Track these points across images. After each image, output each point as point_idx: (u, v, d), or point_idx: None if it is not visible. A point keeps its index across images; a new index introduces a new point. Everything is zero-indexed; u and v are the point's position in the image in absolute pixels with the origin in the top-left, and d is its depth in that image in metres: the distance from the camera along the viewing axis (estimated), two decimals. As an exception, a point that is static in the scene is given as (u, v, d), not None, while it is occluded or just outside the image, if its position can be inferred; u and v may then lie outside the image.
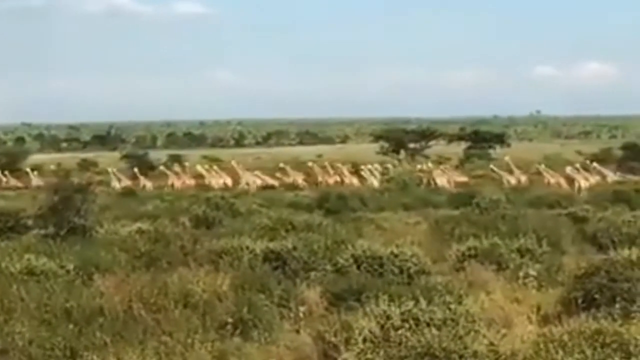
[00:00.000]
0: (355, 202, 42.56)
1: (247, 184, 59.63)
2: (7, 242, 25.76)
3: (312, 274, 20.78)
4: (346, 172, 61.98)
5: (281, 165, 63.73)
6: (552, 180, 56.05)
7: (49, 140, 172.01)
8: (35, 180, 63.53)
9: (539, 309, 17.51)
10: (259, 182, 59.91)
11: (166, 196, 50.41)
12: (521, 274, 20.02)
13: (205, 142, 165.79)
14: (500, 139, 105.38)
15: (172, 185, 59.93)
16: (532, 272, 20.02)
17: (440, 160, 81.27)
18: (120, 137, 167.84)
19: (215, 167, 63.81)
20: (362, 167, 63.21)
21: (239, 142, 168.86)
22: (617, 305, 16.45)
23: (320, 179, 61.08)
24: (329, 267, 21.18)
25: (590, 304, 16.84)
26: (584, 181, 54.68)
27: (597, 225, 28.51)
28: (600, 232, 26.78)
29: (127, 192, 55.60)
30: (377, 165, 64.04)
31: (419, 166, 66.15)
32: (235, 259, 21.54)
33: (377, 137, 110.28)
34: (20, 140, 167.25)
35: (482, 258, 22.12)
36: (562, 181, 55.70)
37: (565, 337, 13.51)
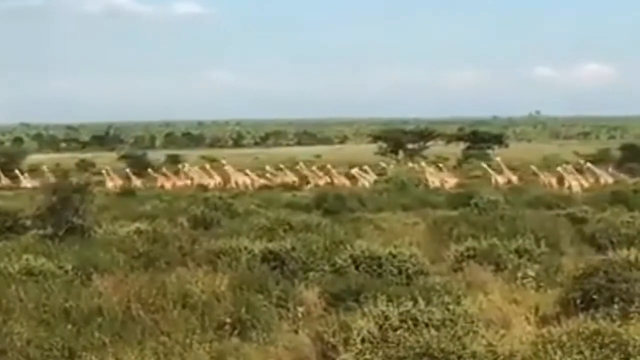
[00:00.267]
0: (354, 203, 42.55)
1: (236, 183, 59.81)
2: (5, 242, 25.73)
3: (311, 274, 20.76)
4: (336, 173, 62.05)
5: (267, 167, 64.05)
6: (546, 181, 56.11)
7: (47, 140, 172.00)
8: (25, 181, 63.83)
9: (537, 309, 17.50)
10: (248, 181, 60.04)
11: (164, 196, 50.40)
12: (519, 274, 20.01)
13: (203, 142, 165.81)
14: (498, 140, 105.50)
15: (162, 186, 60.20)
16: (531, 273, 20.01)
17: (436, 161, 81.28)
18: (118, 137, 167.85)
19: (201, 168, 64.02)
20: (354, 169, 63.39)
21: (237, 143, 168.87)
22: (616, 306, 16.44)
23: (310, 180, 61.16)
24: (327, 267, 21.16)
25: (589, 305, 16.83)
26: (575, 182, 54.76)
27: (596, 226, 28.49)
28: (599, 232, 26.77)
29: (126, 192, 55.60)
30: (366, 167, 64.12)
31: (410, 164, 66.18)
32: (233, 259, 21.52)
33: (376, 138, 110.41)
34: (18, 140, 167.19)
35: (480, 258, 22.10)
36: (554, 181, 55.79)
37: (564, 338, 13.50)
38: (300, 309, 17.37)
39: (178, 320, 16.04)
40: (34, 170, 69.49)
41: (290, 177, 61.71)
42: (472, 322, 14.81)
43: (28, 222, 29.42)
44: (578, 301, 17.06)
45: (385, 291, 16.78)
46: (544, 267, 21.19)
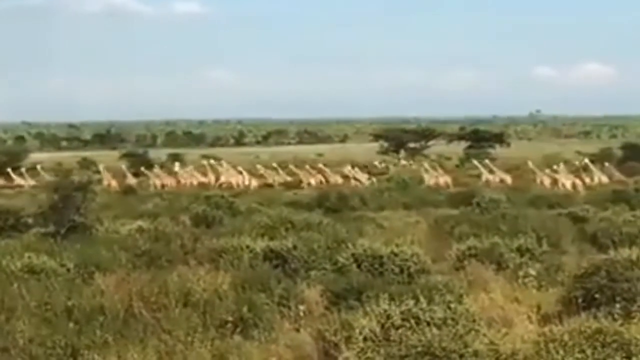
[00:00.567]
0: (355, 201, 42.57)
1: (227, 182, 60.01)
2: (7, 241, 25.78)
3: (313, 273, 20.77)
4: (330, 172, 62.12)
5: (258, 166, 64.23)
6: (539, 179, 56.17)
7: (49, 139, 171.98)
8: (20, 180, 64.22)
9: (539, 308, 17.50)
10: (240, 180, 60.16)
11: (166, 195, 50.41)
12: (521, 273, 20.00)
13: (205, 141, 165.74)
14: (499, 139, 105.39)
15: (154, 185, 60.49)
16: (532, 272, 20.00)
17: (438, 160, 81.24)
18: (120, 136, 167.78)
19: (196, 167, 64.22)
20: (346, 168, 63.50)
21: (238, 141, 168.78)
22: (618, 305, 16.45)
23: (303, 179, 61.23)
24: (329, 266, 21.17)
25: (591, 304, 16.83)
26: (567, 181, 54.86)
27: (597, 225, 28.52)
28: (601, 231, 26.77)
29: (127, 191, 55.61)
30: (356, 168, 64.26)
31: (402, 162, 66.20)
32: (235, 257, 21.53)
33: (377, 137, 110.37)
34: (20, 139, 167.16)
35: (482, 257, 22.10)
36: (546, 180, 55.87)
37: (566, 337, 13.50)
38: (302, 308, 17.38)
39: (180, 318, 16.05)
40: (33, 169, 69.45)
41: (283, 176, 61.75)
42: (474, 320, 14.82)
43: (30, 221, 29.48)
44: (580, 300, 17.07)
45: (387, 290, 16.78)
46: (545, 266, 21.19)
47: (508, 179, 57.94)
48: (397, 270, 20.82)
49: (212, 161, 65.67)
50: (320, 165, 64.26)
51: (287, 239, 22.64)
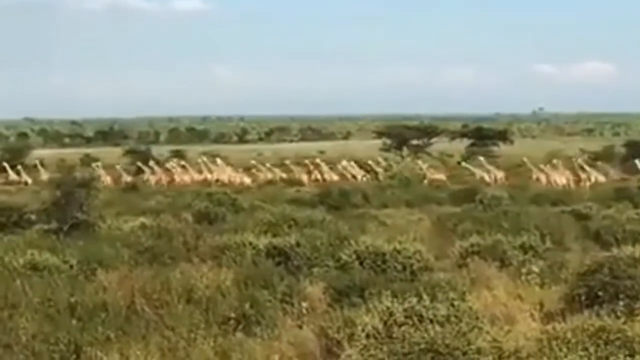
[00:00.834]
0: (358, 199, 42.58)
1: (217, 179, 60.24)
2: (10, 237, 25.78)
3: (315, 270, 20.76)
4: (326, 169, 62.15)
5: (253, 162, 64.40)
6: (541, 177, 56.22)
7: (52, 135, 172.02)
8: (13, 175, 64.49)
9: (542, 305, 17.48)
10: (231, 178, 60.34)
11: (168, 192, 50.44)
12: (524, 270, 19.97)
13: (207, 137, 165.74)
14: (503, 136, 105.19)
15: (148, 181, 60.76)
16: (535, 269, 19.97)
17: (440, 157, 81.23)
18: (123, 132, 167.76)
19: (183, 163, 64.45)
20: (340, 165, 63.51)
21: (241, 138, 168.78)
22: (621, 303, 16.43)
23: (297, 175, 61.32)
24: (331, 263, 21.14)
25: (594, 301, 16.81)
26: (562, 179, 54.93)
27: (601, 222, 28.52)
28: (604, 229, 26.77)
29: (130, 188, 55.65)
30: (352, 163, 64.28)
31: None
32: (238, 254, 21.53)
33: (380, 134, 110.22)
34: (23, 135, 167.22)
35: (485, 255, 22.07)
36: (543, 177, 55.91)
37: (569, 334, 13.48)
38: (305, 305, 17.36)
39: (182, 315, 16.04)
40: (33, 166, 69.56)
41: (278, 174, 61.81)
42: (477, 318, 14.81)
43: (33, 217, 29.49)
44: (583, 297, 17.05)
45: (390, 287, 16.78)
46: (548, 264, 21.17)
47: (502, 177, 57.96)
48: (399, 267, 20.79)
49: (204, 158, 65.99)
50: (317, 161, 64.29)
51: (290, 236, 22.63)
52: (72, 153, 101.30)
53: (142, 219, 28.75)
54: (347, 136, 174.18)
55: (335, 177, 60.41)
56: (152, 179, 61.32)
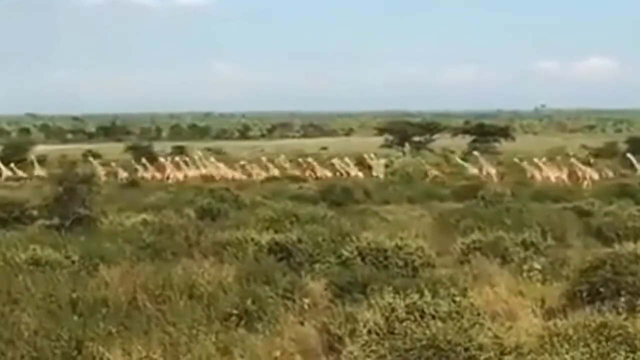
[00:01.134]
0: (360, 195, 42.59)
1: (209, 176, 60.62)
2: (12, 233, 25.81)
3: (317, 266, 20.77)
4: (318, 166, 62.24)
5: (242, 162, 64.68)
6: (535, 173, 56.29)
7: (54, 131, 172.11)
8: (6, 171, 64.86)
9: (543, 302, 17.48)
10: (222, 174, 60.57)
11: (170, 188, 50.49)
12: (526, 267, 19.96)
13: (209, 134, 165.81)
14: (504, 133, 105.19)
15: (143, 178, 61.11)
16: (537, 266, 19.96)
17: (443, 154, 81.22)
18: (125, 128, 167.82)
19: (177, 159, 64.71)
20: (334, 160, 63.65)
21: (243, 134, 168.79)
22: (622, 299, 16.42)
23: (289, 172, 61.45)
24: (333, 259, 21.16)
25: (595, 298, 16.80)
26: (553, 176, 55.05)
27: (602, 219, 28.51)
28: (605, 225, 26.78)
29: (131, 184, 55.69)
30: (347, 160, 64.40)
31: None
32: (239, 250, 21.54)
33: (382, 130, 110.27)
34: (24, 131, 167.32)
35: (486, 251, 22.07)
36: (537, 173, 56.01)
37: (570, 331, 13.48)
38: (307, 301, 17.36)
39: (184, 311, 16.06)
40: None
41: (264, 171, 61.92)
42: (479, 314, 14.81)
43: (35, 213, 29.51)
44: (584, 294, 17.03)
45: (392, 283, 16.78)
46: (550, 260, 21.17)
47: (494, 173, 57.98)
48: (401, 263, 20.80)
49: (200, 153, 66.52)
50: (310, 160, 64.43)
51: (292, 232, 22.64)
52: (74, 149, 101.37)
53: (144, 215, 28.78)
54: (349, 133, 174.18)
55: (329, 175, 60.44)
56: (147, 175, 61.55)
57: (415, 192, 45.78)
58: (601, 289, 16.91)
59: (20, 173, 65.04)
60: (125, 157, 76.74)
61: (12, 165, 66.61)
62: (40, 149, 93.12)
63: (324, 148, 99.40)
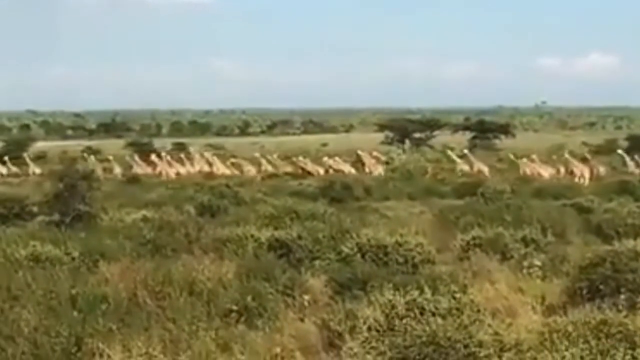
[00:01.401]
0: (360, 191, 42.59)
1: (200, 172, 60.78)
2: (12, 229, 25.81)
3: (317, 262, 20.77)
4: (309, 162, 62.29)
5: (233, 160, 64.84)
6: (527, 170, 56.37)
7: (54, 127, 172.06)
8: (1, 168, 65.09)
9: (543, 299, 17.48)
10: (214, 171, 60.70)
11: (170, 184, 50.50)
12: (526, 264, 19.96)
13: (210, 130, 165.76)
14: (505, 130, 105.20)
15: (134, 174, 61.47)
16: (537, 262, 19.96)
17: (443, 150, 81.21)
18: (125, 125, 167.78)
19: (167, 157, 64.91)
20: (325, 159, 63.73)
21: (243, 131, 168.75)
22: (622, 296, 16.45)
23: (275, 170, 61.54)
24: (333, 256, 21.15)
25: (595, 295, 16.82)
26: (546, 173, 55.17)
27: (602, 216, 28.50)
28: (605, 222, 26.76)
29: (132, 180, 55.70)
30: (337, 158, 64.53)
31: (374, 153, 66.05)
32: (239, 247, 21.55)
33: (382, 127, 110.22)
34: (25, 127, 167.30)
35: (486, 248, 22.06)
36: (529, 170, 56.08)
37: (570, 328, 13.49)
38: (307, 297, 17.37)
39: (184, 307, 16.06)
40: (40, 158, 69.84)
41: (253, 168, 61.96)
42: (478, 311, 14.82)
43: (35, 209, 29.53)
44: (584, 291, 17.05)
45: (392, 280, 16.79)
46: (550, 257, 21.17)
47: (486, 170, 57.98)
48: (401, 260, 20.80)
49: (191, 149, 66.81)
50: (301, 158, 64.55)
51: (292, 229, 22.63)
52: (74, 145, 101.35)
53: (144, 212, 28.77)
54: (349, 129, 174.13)
55: (322, 172, 60.44)
56: (140, 171, 61.70)
57: (415, 188, 45.77)
58: (601, 286, 16.93)
59: (14, 169, 65.07)
60: (124, 153, 76.71)
61: (5, 160, 66.64)
62: (41, 145, 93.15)
63: (325, 144, 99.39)
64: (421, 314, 14.31)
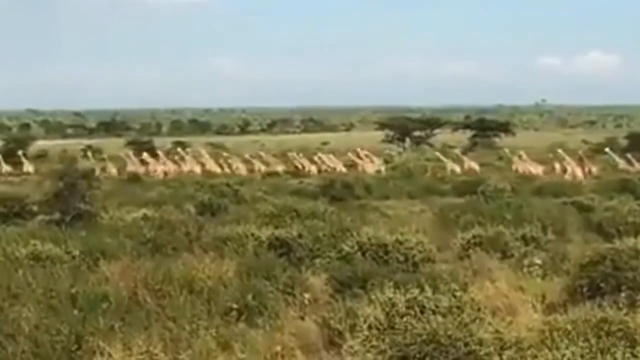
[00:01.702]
0: (360, 190, 42.60)
1: (192, 171, 60.93)
2: (13, 228, 25.81)
3: (317, 261, 20.76)
4: (305, 161, 62.31)
5: (225, 154, 64.97)
6: (520, 168, 56.46)
7: (54, 126, 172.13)
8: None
9: (543, 297, 17.48)
10: (207, 169, 60.79)
11: (171, 183, 50.53)
12: (526, 262, 19.94)
13: (210, 129, 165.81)
14: (505, 128, 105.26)
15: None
16: (537, 261, 19.95)
17: (443, 149, 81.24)
18: (125, 124, 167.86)
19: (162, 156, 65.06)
20: (317, 156, 63.77)
21: (243, 130, 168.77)
22: (623, 294, 16.44)
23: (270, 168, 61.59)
24: (333, 254, 21.14)
25: (596, 293, 16.82)
26: (539, 170, 55.32)
27: (603, 214, 28.50)
28: (606, 221, 26.77)
29: (132, 179, 55.74)
30: (331, 155, 64.54)
31: (365, 152, 66.10)
32: (240, 245, 21.55)
33: (382, 125, 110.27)
34: (25, 126, 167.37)
35: (487, 246, 22.06)
36: (521, 168, 56.20)
37: (570, 326, 13.48)
38: (307, 296, 17.36)
39: (184, 306, 16.05)
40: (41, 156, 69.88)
41: (243, 166, 61.96)
42: (479, 309, 14.80)
43: (35, 208, 29.53)
44: (585, 289, 17.05)
45: (392, 278, 16.77)
46: (550, 255, 21.16)
47: (477, 168, 58.00)
48: (401, 258, 20.79)
49: (179, 149, 67.06)
50: (294, 154, 64.55)
51: (292, 228, 22.63)
52: (74, 144, 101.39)
53: (144, 210, 28.78)
54: (349, 128, 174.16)
55: (315, 171, 60.47)
56: (133, 169, 61.85)
57: (416, 187, 45.80)
58: (601, 284, 16.92)
59: (8, 168, 65.06)
60: (122, 152, 76.79)
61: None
62: (41, 144, 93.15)
63: (326, 143, 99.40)
64: (421, 312, 14.30)
